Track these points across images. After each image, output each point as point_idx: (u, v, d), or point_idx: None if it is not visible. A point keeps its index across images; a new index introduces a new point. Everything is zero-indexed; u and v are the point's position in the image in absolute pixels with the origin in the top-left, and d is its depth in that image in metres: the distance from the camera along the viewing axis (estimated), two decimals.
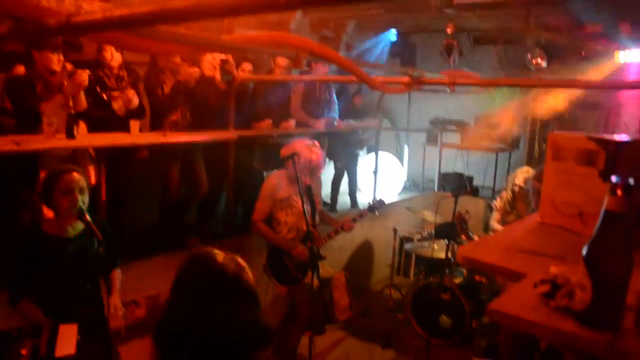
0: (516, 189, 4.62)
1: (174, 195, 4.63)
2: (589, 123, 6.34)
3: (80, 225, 2.80)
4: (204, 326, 1.42)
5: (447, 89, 3.67)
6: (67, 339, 2.49)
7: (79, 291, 2.79)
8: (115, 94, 4.14)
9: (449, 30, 5.95)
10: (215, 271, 1.49)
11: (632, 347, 0.90)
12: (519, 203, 4.73)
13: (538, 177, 3.59)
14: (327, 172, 6.29)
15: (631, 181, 0.93)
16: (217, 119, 4.70)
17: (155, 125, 4.56)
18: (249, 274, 1.54)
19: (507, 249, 1.38)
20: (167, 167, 4.58)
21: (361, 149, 6.64)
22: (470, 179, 7.26)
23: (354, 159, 6.57)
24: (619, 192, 0.93)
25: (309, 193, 4.12)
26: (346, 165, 6.50)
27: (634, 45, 5.69)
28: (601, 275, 0.92)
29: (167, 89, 4.49)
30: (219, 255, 1.53)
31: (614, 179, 0.94)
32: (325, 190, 6.11)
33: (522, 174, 4.65)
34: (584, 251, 0.95)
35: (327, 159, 6.30)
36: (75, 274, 2.78)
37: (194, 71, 4.47)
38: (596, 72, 5.36)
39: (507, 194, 4.82)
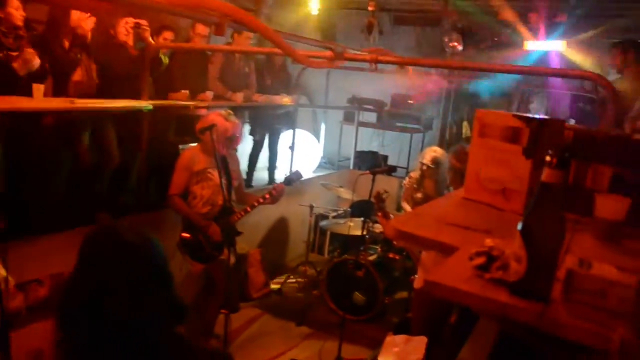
0: (424, 167, 4.70)
1: (82, 166, 4.34)
2: (500, 109, 6.62)
3: None
4: (110, 303, 1.33)
5: (367, 68, 3.67)
6: None
7: None
8: (14, 53, 3.78)
9: (370, 8, 5.97)
10: (121, 245, 1.41)
11: (560, 317, 0.92)
12: (427, 181, 4.82)
13: (456, 156, 3.67)
14: (246, 147, 6.21)
15: (566, 155, 0.95)
16: (129, 86, 4.43)
17: (59, 88, 4.20)
18: (159, 248, 1.46)
19: (436, 222, 1.38)
20: (75, 135, 4.27)
21: (285, 124, 6.55)
22: (385, 157, 7.41)
23: (276, 135, 6.49)
24: (555, 164, 0.94)
25: (226, 166, 4.02)
26: (268, 141, 6.43)
27: (543, 35, 6.00)
28: (537, 245, 0.93)
29: (67, 45, 4.16)
30: (127, 228, 1.44)
31: (550, 151, 0.95)
32: (243, 166, 6.02)
33: (430, 153, 4.74)
34: (521, 222, 0.95)
35: (248, 134, 6.20)
36: None
37: (84, 17, 4.12)
38: (508, 58, 5.63)
39: (415, 174, 4.91)
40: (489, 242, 1.04)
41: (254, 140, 6.32)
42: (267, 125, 6.31)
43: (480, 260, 1.01)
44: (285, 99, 6.04)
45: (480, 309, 1.03)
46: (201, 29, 5.02)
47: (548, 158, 0.94)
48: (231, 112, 4.11)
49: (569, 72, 3.81)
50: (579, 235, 1.42)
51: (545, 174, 0.95)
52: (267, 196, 4.24)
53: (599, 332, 0.87)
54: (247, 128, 6.26)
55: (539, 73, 4.16)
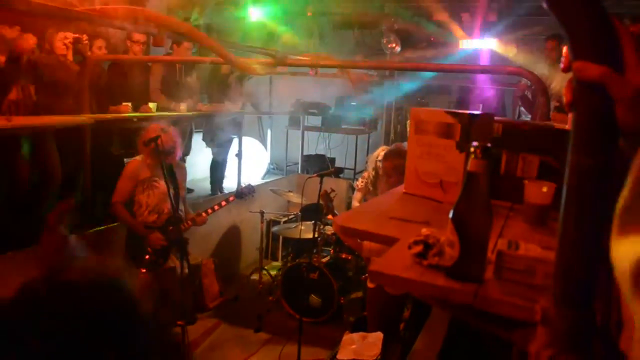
0: (380, 164, 4.73)
1: (22, 186, 4.22)
2: (440, 106, 6.83)
3: None
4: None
5: (309, 72, 3.74)
6: None
7: None
8: None
9: (308, 13, 6.04)
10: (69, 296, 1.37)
11: (492, 295, 1.00)
12: (381, 181, 4.87)
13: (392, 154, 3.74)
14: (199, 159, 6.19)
15: (489, 145, 1.02)
16: (69, 101, 4.34)
17: None
18: (113, 292, 1.42)
19: (378, 217, 1.45)
20: (13, 154, 4.14)
21: (235, 133, 6.55)
22: (332, 160, 7.51)
23: (228, 144, 6.49)
24: (479, 154, 1.02)
25: (173, 176, 4.01)
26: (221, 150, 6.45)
27: (475, 34, 6.23)
28: (467, 231, 1.00)
29: (2, 62, 4.04)
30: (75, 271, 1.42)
31: (474, 143, 1.02)
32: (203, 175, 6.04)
33: (384, 151, 4.79)
34: (452, 210, 1.02)
35: (206, 145, 6.27)
36: None
37: (29, 37, 4.03)
38: (444, 57, 5.81)
39: (369, 174, 4.97)
40: (425, 231, 1.10)
41: (212, 152, 6.35)
42: (222, 135, 6.29)
43: (418, 248, 1.08)
44: (230, 107, 6.04)
45: (421, 294, 1.09)
46: (138, 36, 4.96)
47: (472, 149, 1.02)
48: (162, 126, 4.06)
49: (501, 69, 4.01)
50: (512, 220, 1.51)
51: (471, 164, 1.02)
52: (217, 207, 4.27)
53: (527, 306, 0.95)
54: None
55: (472, 71, 4.34)
